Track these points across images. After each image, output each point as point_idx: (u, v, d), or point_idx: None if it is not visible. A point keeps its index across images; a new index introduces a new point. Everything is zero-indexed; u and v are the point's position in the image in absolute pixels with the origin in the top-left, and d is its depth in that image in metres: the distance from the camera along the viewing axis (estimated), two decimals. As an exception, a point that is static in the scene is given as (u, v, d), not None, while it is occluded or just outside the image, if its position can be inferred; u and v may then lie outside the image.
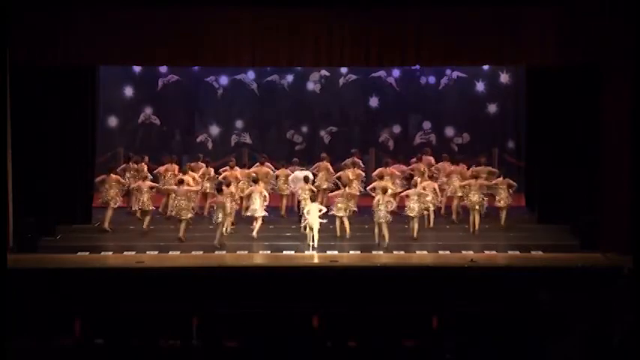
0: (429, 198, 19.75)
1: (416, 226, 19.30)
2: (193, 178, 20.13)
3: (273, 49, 19.22)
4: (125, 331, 13.19)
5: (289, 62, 20.03)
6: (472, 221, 19.81)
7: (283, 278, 17.01)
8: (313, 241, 18.67)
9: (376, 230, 18.99)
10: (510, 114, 24.22)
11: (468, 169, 20.89)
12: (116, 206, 20.20)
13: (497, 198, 20.14)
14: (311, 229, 18.71)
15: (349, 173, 20.67)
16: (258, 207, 19.45)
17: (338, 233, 19.40)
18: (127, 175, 21.04)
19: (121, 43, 18.92)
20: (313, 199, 19.23)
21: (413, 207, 19.26)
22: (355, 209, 19.69)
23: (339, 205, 19.38)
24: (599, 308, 13.89)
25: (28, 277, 16.80)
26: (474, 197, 19.83)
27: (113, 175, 20.28)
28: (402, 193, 19.91)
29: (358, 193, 20.29)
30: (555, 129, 20.26)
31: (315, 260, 18.19)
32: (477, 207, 19.76)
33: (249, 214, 19.61)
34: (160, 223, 20.35)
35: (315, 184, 20.72)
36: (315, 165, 21.43)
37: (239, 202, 20.30)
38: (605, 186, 18.74)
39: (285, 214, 21.33)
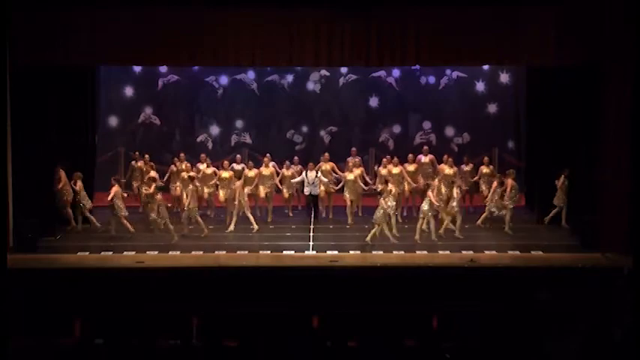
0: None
1: (432, 227, 19.27)
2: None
3: (273, 49, 19.23)
4: (125, 331, 13.19)
5: (289, 62, 20.00)
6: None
7: (283, 278, 17.01)
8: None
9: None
10: (510, 114, 24.20)
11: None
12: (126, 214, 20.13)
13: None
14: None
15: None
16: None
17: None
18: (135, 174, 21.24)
19: (121, 43, 18.91)
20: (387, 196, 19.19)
21: (424, 207, 19.36)
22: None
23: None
24: (599, 308, 13.89)
25: (28, 277, 16.80)
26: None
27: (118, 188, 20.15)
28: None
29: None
30: (555, 129, 20.26)
31: (315, 260, 18.19)
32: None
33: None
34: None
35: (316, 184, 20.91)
36: (318, 165, 21.45)
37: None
38: (605, 186, 18.74)
39: (291, 214, 21.70)
